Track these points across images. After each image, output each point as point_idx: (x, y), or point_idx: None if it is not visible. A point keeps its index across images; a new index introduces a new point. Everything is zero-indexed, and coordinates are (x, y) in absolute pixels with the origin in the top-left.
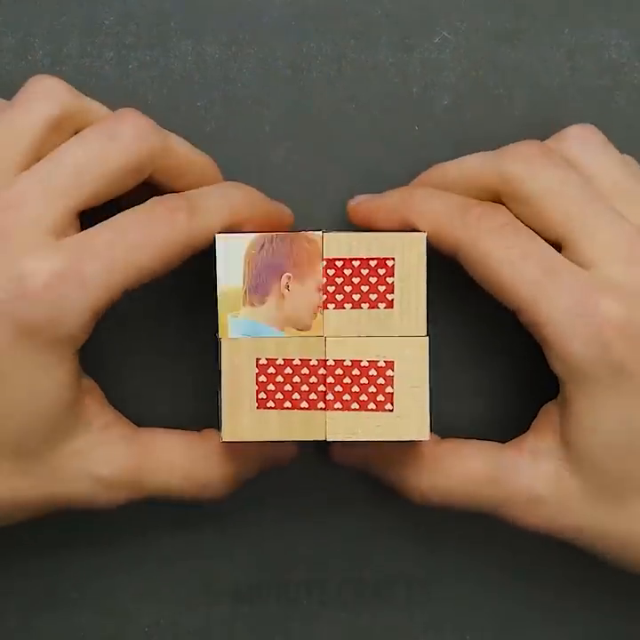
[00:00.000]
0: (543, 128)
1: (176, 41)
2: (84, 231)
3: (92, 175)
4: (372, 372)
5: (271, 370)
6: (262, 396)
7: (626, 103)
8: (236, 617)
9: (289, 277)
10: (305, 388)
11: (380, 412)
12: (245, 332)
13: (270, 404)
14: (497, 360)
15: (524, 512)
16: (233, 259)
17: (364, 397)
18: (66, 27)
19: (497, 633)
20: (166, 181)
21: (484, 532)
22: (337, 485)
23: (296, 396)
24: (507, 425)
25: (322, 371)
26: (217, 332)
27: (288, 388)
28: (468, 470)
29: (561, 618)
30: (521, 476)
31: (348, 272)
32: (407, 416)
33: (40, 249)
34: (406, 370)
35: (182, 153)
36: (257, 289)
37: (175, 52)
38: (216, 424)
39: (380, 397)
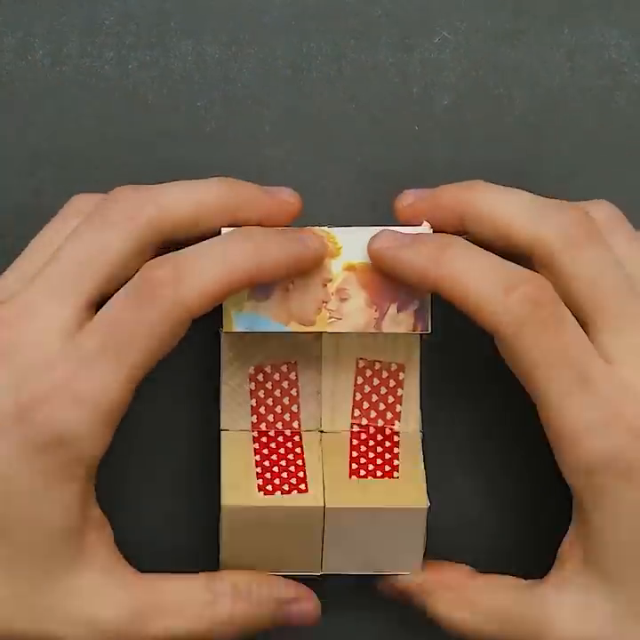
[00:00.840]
0: (543, 128)
1: (176, 41)
2: (78, 337)
3: (94, 269)
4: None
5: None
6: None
7: (626, 103)
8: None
9: None
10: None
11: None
12: (249, 325)
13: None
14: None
15: None
16: None
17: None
18: (66, 27)
19: None
20: (184, 236)
21: (484, 531)
22: None
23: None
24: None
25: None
26: (221, 326)
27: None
28: (495, 606)
29: None
30: (547, 611)
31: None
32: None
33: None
34: None
35: (183, 206)
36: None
37: (175, 52)
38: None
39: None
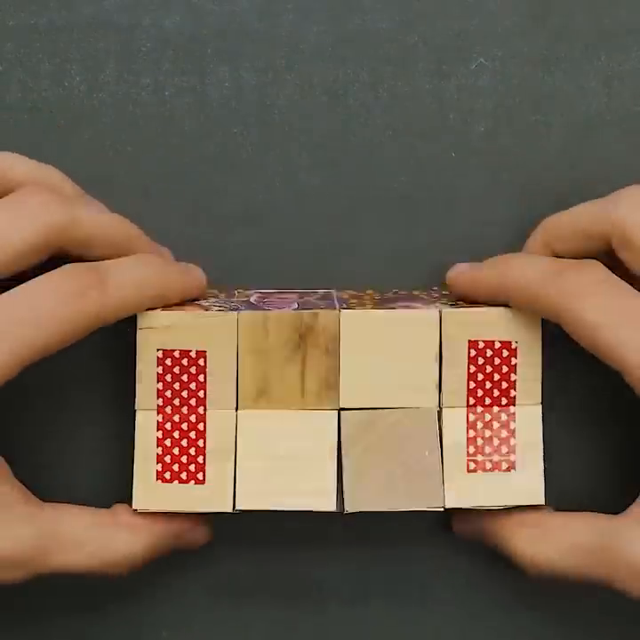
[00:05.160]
0: (580, 155)
1: (213, 67)
2: None
3: None
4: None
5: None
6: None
7: None
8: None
9: None
10: None
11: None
12: None
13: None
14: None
15: (637, 587)
16: None
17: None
18: (102, 53)
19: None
20: (77, 254)
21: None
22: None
23: None
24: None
25: None
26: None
27: None
28: (577, 541)
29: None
30: (630, 544)
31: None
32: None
33: None
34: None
35: (93, 225)
36: None
37: (212, 79)
38: (127, 497)
39: None
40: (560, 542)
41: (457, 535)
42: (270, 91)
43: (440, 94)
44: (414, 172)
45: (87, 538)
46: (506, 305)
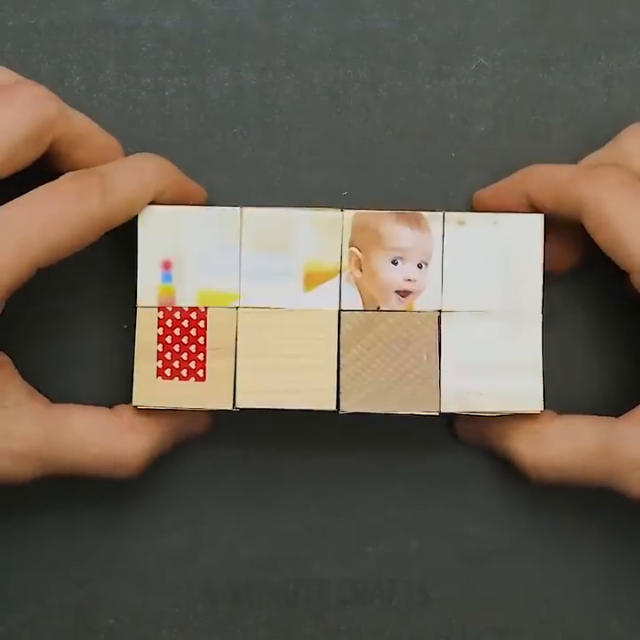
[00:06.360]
0: (580, 155)
1: (213, 67)
2: None
3: None
4: None
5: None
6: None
7: None
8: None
9: None
10: None
11: None
12: None
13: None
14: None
15: (636, 482)
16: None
17: None
18: (102, 53)
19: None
20: (67, 151)
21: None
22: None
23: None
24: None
25: None
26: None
27: None
28: (579, 444)
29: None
30: (631, 445)
31: None
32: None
33: None
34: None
35: (80, 121)
36: None
37: (212, 79)
38: (129, 399)
39: None
40: (562, 444)
41: (460, 440)
42: (270, 91)
43: (440, 94)
44: (414, 172)
45: (94, 437)
46: (526, 211)
